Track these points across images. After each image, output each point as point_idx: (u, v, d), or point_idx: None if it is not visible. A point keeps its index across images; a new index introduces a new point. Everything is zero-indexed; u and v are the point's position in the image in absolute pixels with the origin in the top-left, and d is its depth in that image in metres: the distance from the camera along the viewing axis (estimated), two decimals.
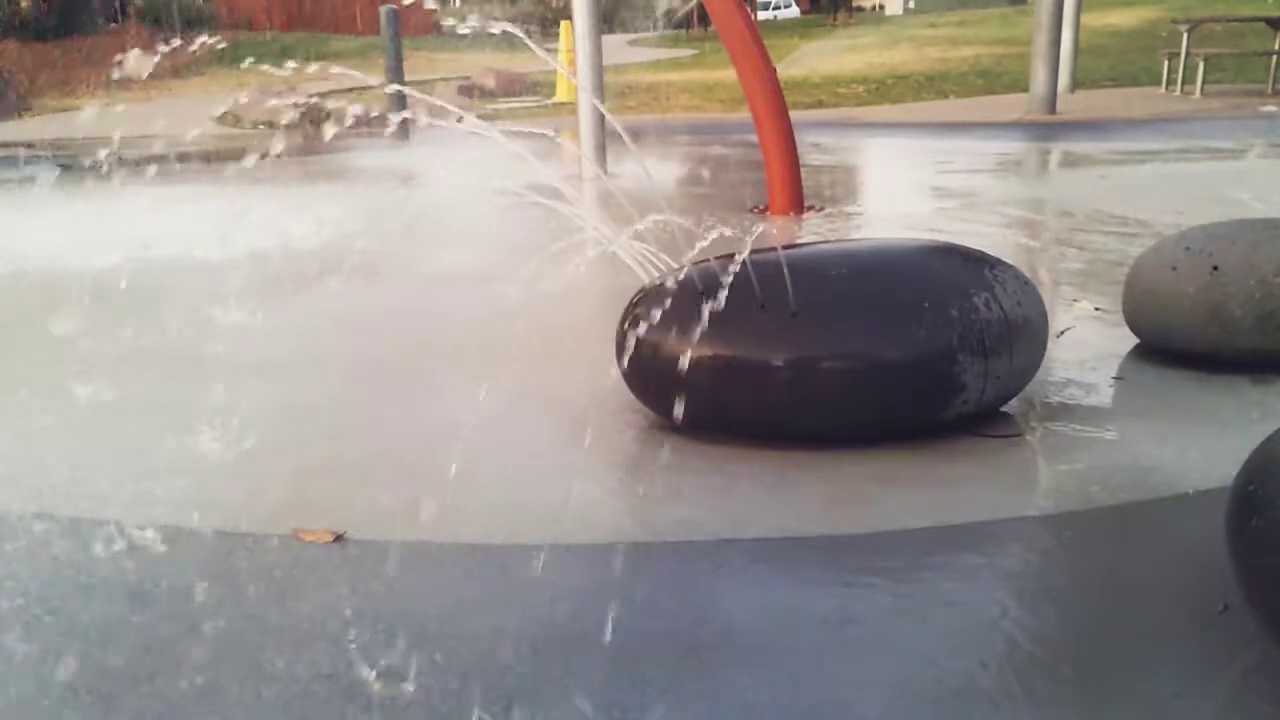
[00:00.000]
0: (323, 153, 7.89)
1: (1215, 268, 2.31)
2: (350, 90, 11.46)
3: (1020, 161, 6.78)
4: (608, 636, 1.37)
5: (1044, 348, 2.16)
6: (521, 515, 1.77)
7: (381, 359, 2.76)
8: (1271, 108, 9.03)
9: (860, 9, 34.97)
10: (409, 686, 1.27)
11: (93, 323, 3.07)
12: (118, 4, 22.17)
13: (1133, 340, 2.58)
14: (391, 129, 7.87)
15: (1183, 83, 10.52)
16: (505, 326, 2.94)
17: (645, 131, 8.27)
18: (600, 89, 6.41)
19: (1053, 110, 9.24)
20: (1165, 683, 1.27)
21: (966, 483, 1.85)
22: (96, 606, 1.50)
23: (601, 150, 6.19)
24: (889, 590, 1.48)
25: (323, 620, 1.44)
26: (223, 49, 14.27)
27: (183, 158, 7.19)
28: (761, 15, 31.85)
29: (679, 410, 1.90)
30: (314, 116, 7.93)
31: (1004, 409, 2.16)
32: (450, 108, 2.53)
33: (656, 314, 1.99)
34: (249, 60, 14.43)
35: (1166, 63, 11.06)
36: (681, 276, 2.04)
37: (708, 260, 2.04)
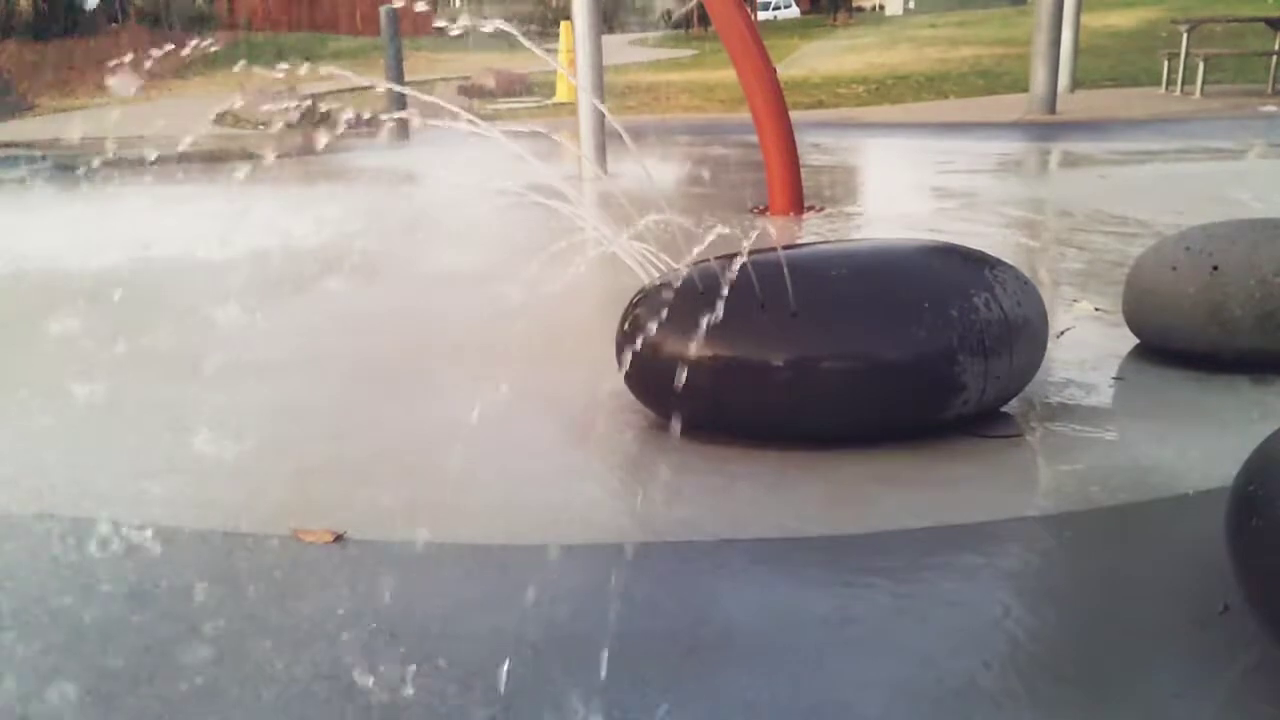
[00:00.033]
0: (323, 153, 7.89)
1: (1215, 268, 2.31)
2: (350, 90, 11.46)
3: (1020, 162, 6.78)
4: (608, 637, 1.37)
5: (1044, 348, 2.16)
6: (521, 516, 1.77)
7: (381, 359, 2.76)
8: (1271, 108, 9.02)
9: (860, 9, 34.96)
10: (409, 687, 1.27)
11: (93, 323, 3.06)
12: (118, 4, 22.16)
13: (1133, 340, 2.58)
14: (391, 129, 7.87)
15: (1183, 83, 10.51)
16: (505, 326, 2.94)
17: (645, 132, 8.26)
18: (600, 89, 6.41)
19: (1053, 110, 9.24)
20: (1165, 683, 1.27)
21: (966, 483, 1.85)
22: (96, 607, 1.50)
23: (601, 150, 6.18)
24: (889, 590, 1.48)
25: (323, 621, 1.44)
26: (223, 49, 14.27)
27: (183, 158, 7.18)
28: (761, 15, 31.84)
29: (676, 425, 1.91)
30: (313, 117, 7.93)
31: (1004, 409, 2.16)
32: (450, 107, 2.53)
33: (656, 314, 1.99)
34: (241, 63, 14.43)
35: (1166, 63, 11.05)
36: (682, 277, 2.04)
37: (708, 260, 2.04)
